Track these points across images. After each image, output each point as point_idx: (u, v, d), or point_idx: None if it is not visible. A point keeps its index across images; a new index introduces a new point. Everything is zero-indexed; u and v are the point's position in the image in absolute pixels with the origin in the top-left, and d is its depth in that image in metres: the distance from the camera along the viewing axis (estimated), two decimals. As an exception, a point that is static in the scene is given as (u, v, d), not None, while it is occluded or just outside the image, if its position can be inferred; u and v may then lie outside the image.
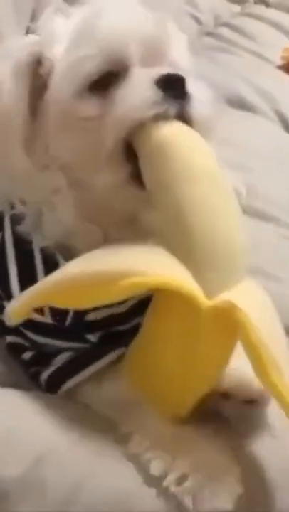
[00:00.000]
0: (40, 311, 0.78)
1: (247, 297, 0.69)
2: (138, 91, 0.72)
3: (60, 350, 0.79)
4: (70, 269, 0.71)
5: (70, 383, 0.77)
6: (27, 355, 0.81)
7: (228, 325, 0.67)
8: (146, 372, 0.74)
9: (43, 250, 0.79)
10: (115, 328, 0.77)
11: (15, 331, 0.82)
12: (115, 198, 0.75)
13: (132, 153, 0.73)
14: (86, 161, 0.75)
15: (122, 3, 0.80)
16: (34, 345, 0.80)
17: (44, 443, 0.71)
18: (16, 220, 0.81)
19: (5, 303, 0.81)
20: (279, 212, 1.19)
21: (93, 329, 0.77)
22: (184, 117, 0.73)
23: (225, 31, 1.85)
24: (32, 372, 0.80)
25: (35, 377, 0.80)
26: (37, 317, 0.78)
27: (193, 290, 0.67)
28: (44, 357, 0.79)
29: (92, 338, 0.78)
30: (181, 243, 0.69)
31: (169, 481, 0.69)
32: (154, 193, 0.72)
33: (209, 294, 0.67)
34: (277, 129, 1.46)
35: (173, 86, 0.73)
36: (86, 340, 0.78)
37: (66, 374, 0.78)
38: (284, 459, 0.74)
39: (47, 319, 0.79)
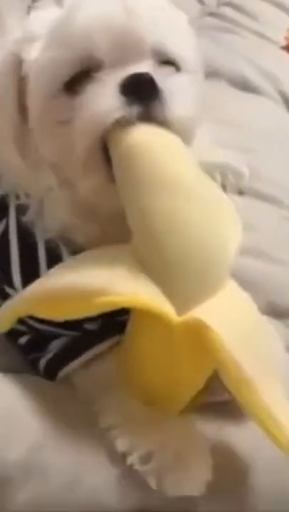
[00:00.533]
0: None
1: (220, 312, 0.67)
2: (100, 96, 0.69)
3: (56, 336, 0.78)
4: (49, 281, 0.70)
5: (67, 369, 0.77)
6: (23, 340, 0.81)
7: (201, 340, 0.66)
8: (133, 377, 0.73)
9: (47, 242, 0.79)
10: (115, 318, 0.77)
11: None
12: (99, 198, 0.74)
13: (108, 153, 0.71)
14: (66, 164, 0.73)
15: None
16: (31, 330, 0.80)
17: (44, 428, 0.71)
18: (21, 210, 0.81)
19: (6, 287, 0.82)
20: (281, 193, 1.18)
21: (93, 319, 0.77)
22: (154, 119, 0.69)
23: (228, 11, 1.82)
24: (31, 359, 0.80)
25: (34, 365, 0.80)
26: None
27: (162, 308, 0.65)
28: (40, 342, 0.79)
29: (91, 327, 0.78)
30: (151, 253, 0.68)
31: (134, 458, 0.68)
32: (123, 200, 0.69)
33: (180, 308, 0.66)
34: (281, 110, 1.44)
35: (139, 87, 0.69)
36: (84, 330, 0.78)
37: (63, 360, 0.78)
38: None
39: None
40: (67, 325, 0.77)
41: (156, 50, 0.73)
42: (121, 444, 0.69)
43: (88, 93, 0.70)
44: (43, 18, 0.75)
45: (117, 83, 0.69)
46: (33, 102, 0.74)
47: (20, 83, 0.75)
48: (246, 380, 0.64)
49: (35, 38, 0.74)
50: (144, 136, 0.69)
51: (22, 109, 0.75)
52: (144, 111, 0.69)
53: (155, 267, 0.67)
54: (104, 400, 0.73)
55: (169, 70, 0.73)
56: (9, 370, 0.80)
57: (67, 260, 0.75)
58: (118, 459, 0.69)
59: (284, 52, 1.65)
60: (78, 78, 0.71)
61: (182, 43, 0.75)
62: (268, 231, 1.07)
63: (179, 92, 0.71)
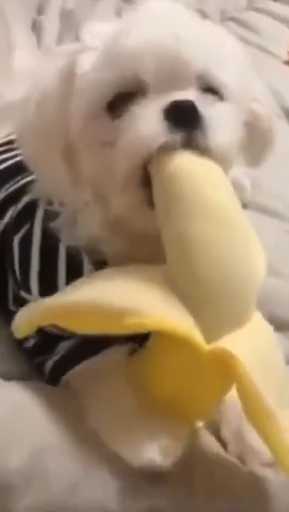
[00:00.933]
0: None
1: (247, 341, 0.68)
2: (144, 120, 0.70)
3: (64, 337, 0.79)
4: (77, 293, 0.70)
5: (73, 371, 0.78)
6: (30, 343, 0.82)
7: (226, 368, 0.67)
8: (149, 391, 0.73)
9: (68, 249, 0.80)
10: None
11: None
12: (132, 217, 0.74)
13: (148, 177, 0.71)
14: (104, 182, 0.74)
15: (166, 13, 0.75)
16: (39, 332, 0.80)
17: (45, 435, 0.72)
18: (48, 215, 0.82)
19: (22, 292, 0.83)
20: (283, 207, 1.19)
21: None
22: (196, 146, 0.70)
23: (231, 25, 1.84)
24: (37, 363, 0.81)
25: (39, 368, 0.81)
26: None
27: (192, 334, 0.66)
28: (47, 344, 0.80)
29: None
30: (185, 277, 0.68)
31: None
32: (160, 223, 0.70)
33: (209, 334, 0.67)
34: (283, 124, 1.46)
35: (182, 114, 0.69)
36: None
37: (70, 362, 0.78)
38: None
39: None
40: None
41: (202, 77, 0.73)
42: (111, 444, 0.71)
43: (132, 116, 0.71)
44: (98, 31, 0.75)
45: (160, 108, 0.70)
46: (76, 119, 0.74)
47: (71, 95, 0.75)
48: (267, 413, 0.65)
49: (89, 50, 0.74)
50: (186, 163, 0.69)
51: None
52: (187, 138, 0.69)
53: (188, 292, 0.67)
54: (95, 392, 0.74)
55: (212, 98, 0.74)
56: (15, 377, 0.81)
57: (96, 273, 0.75)
58: (119, 463, 0.70)
59: (286, 67, 1.67)
60: (122, 99, 0.72)
61: (228, 71, 0.75)
62: (270, 244, 1.08)
63: (220, 122, 0.71)
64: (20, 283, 0.84)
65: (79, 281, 0.73)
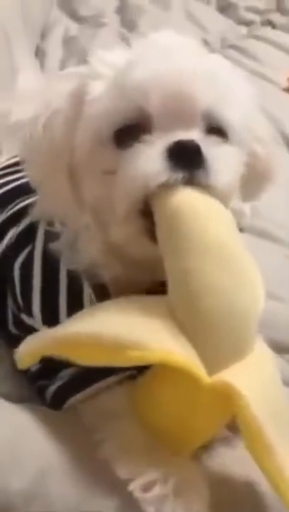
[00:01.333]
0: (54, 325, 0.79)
1: (248, 372, 0.69)
2: (147, 158, 0.71)
3: (66, 364, 0.79)
4: (81, 325, 0.70)
5: (75, 398, 0.78)
6: (34, 368, 0.82)
7: (226, 399, 0.68)
8: (148, 419, 0.74)
9: (69, 272, 0.80)
10: None
11: None
12: (132, 246, 0.75)
13: (148, 208, 0.72)
14: (105, 209, 0.74)
15: (174, 46, 0.75)
16: (43, 358, 0.81)
17: (47, 456, 0.72)
18: (49, 236, 0.82)
19: (23, 315, 0.84)
20: (283, 232, 1.20)
21: None
22: (198, 184, 0.71)
23: (232, 53, 1.87)
24: (38, 387, 0.81)
25: (40, 392, 0.81)
26: None
27: (194, 367, 0.66)
28: (51, 370, 0.80)
29: None
30: (187, 311, 0.69)
31: (135, 486, 0.69)
32: (163, 257, 0.71)
33: (211, 366, 0.67)
34: (283, 150, 1.47)
35: (185, 154, 0.70)
36: None
37: (73, 389, 0.78)
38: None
39: None
40: None
41: (207, 116, 0.74)
42: (123, 472, 0.70)
43: (136, 152, 0.71)
44: (109, 59, 0.76)
45: (164, 147, 0.71)
46: (81, 144, 0.74)
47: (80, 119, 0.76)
48: (268, 448, 0.65)
49: (99, 77, 0.74)
50: (188, 200, 0.70)
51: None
52: (188, 176, 0.70)
53: (190, 325, 0.68)
54: (108, 429, 0.74)
55: (215, 138, 0.74)
56: (14, 399, 0.81)
57: (99, 304, 0.75)
58: (120, 488, 0.70)
59: (286, 94, 1.69)
60: (128, 131, 0.73)
61: (234, 109, 0.75)
62: (269, 268, 1.08)
63: (222, 163, 0.72)
64: (22, 306, 0.84)
65: (82, 312, 0.74)
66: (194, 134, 0.73)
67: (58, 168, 0.76)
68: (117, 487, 0.70)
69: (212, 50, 1.86)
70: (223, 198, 0.72)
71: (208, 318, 0.68)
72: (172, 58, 0.73)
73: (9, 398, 0.82)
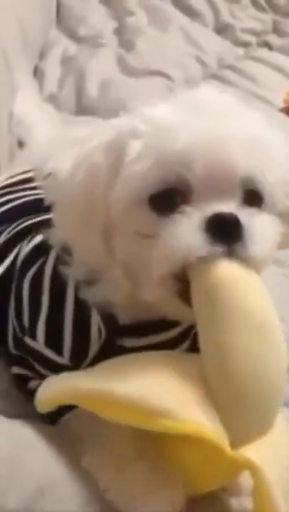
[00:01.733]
0: (58, 351, 0.80)
1: (271, 451, 0.69)
2: (185, 230, 0.70)
3: None
4: (109, 383, 0.69)
5: (69, 415, 0.78)
6: (33, 384, 0.82)
7: (241, 470, 0.69)
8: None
9: (76, 298, 0.80)
10: None
11: (22, 363, 0.84)
12: (163, 307, 0.75)
13: (184, 273, 0.71)
14: (137, 268, 0.74)
15: (215, 108, 0.74)
16: (40, 376, 0.81)
17: (46, 474, 0.72)
18: (59, 261, 0.82)
19: (26, 338, 0.83)
20: (281, 252, 1.20)
21: None
22: (237, 256, 0.70)
23: (229, 74, 1.89)
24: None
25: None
26: (54, 356, 0.81)
27: (219, 441, 0.66)
28: None
29: None
30: (221, 382, 0.68)
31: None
32: (198, 325, 0.71)
33: (237, 442, 0.67)
34: None
35: (224, 227, 0.70)
36: None
37: (68, 406, 0.77)
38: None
39: (63, 360, 0.81)
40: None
41: (246, 182, 0.73)
42: (103, 486, 0.71)
43: (175, 221, 0.71)
44: (148, 116, 0.74)
45: (203, 218, 0.70)
46: (116, 203, 0.73)
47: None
48: None
49: (138, 135, 0.73)
50: (227, 273, 0.70)
51: None
52: (227, 250, 0.70)
53: (223, 397, 0.68)
54: (91, 440, 0.74)
55: (254, 208, 0.74)
56: (12, 415, 0.81)
57: (128, 358, 0.74)
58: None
59: (282, 115, 1.70)
60: (165, 196, 0.72)
61: (272, 173, 0.74)
62: (268, 288, 1.09)
63: (260, 234, 0.71)
64: (27, 329, 0.84)
65: (110, 363, 0.73)
66: (233, 204, 0.72)
67: (92, 223, 0.74)
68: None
69: (208, 70, 1.90)
70: (260, 268, 0.73)
71: (242, 391, 0.67)
72: (213, 122, 0.72)
73: (7, 415, 0.81)
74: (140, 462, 0.71)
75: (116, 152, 0.73)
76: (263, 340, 0.68)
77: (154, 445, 0.72)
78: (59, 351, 0.81)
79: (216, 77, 1.87)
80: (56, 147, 0.79)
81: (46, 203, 0.80)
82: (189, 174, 0.71)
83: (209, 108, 0.74)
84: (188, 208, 0.71)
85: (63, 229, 0.78)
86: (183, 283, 0.71)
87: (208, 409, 0.67)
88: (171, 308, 0.75)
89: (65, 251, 0.80)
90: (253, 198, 0.74)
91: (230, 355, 0.67)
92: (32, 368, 0.83)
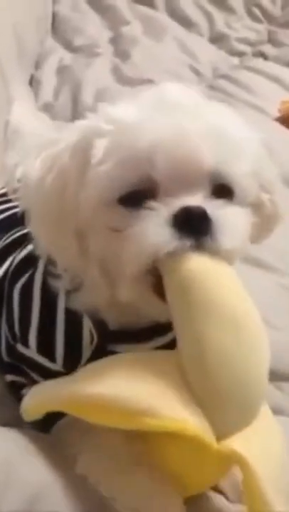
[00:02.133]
0: (50, 357, 0.80)
1: (256, 441, 0.69)
2: (153, 225, 0.70)
3: None
4: (91, 386, 0.69)
5: (61, 422, 0.78)
6: (26, 391, 0.81)
7: (229, 463, 0.69)
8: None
9: (68, 310, 0.80)
10: None
11: (16, 370, 0.84)
12: (139, 304, 0.75)
13: (156, 268, 0.71)
14: (111, 265, 0.74)
15: (178, 104, 0.74)
16: (33, 382, 0.81)
17: (39, 482, 0.71)
18: (48, 271, 0.82)
19: (19, 346, 0.83)
20: (274, 259, 1.21)
21: None
22: (206, 250, 0.70)
23: (223, 83, 1.89)
24: None
25: None
26: (46, 363, 0.81)
27: (203, 435, 0.66)
28: None
29: None
30: (197, 375, 0.68)
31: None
32: (174, 320, 0.71)
33: (220, 433, 0.67)
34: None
35: (192, 220, 0.70)
36: None
37: (59, 414, 0.77)
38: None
39: (56, 366, 0.80)
40: None
41: (214, 175, 0.73)
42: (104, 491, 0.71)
43: (143, 217, 0.71)
44: (112, 115, 0.74)
45: (170, 214, 0.70)
46: (87, 202, 0.73)
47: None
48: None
49: (102, 134, 0.73)
50: (196, 267, 0.69)
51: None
52: (196, 243, 0.70)
53: (201, 390, 0.68)
54: (83, 443, 0.74)
55: (222, 200, 0.73)
56: (8, 424, 0.81)
57: (110, 360, 0.74)
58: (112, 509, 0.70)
59: (277, 124, 1.71)
60: (133, 195, 0.72)
61: (240, 163, 0.74)
62: (263, 296, 1.09)
63: (229, 225, 0.71)
64: (19, 336, 0.84)
65: (89, 369, 0.73)
66: (200, 197, 0.72)
67: (65, 226, 0.74)
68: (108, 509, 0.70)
69: (203, 79, 1.90)
70: (232, 259, 0.72)
71: (219, 383, 0.67)
72: (176, 118, 0.72)
73: (2, 422, 0.81)
74: (139, 467, 0.71)
75: (82, 153, 0.73)
76: (236, 332, 0.68)
77: (146, 449, 0.72)
78: (52, 358, 0.81)
79: (210, 86, 1.88)
80: (25, 153, 0.79)
81: (20, 211, 0.80)
82: (153, 171, 0.71)
83: (173, 104, 0.74)
84: (155, 204, 0.71)
85: (39, 234, 0.78)
86: (157, 278, 0.71)
87: (189, 404, 0.67)
88: (147, 304, 0.75)
89: (52, 262, 0.81)
90: (222, 190, 0.74)
91: (205, 348, 0.67)
92: (25, 375, 0.82)
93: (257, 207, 0.79)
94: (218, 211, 0.71)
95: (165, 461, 0.71)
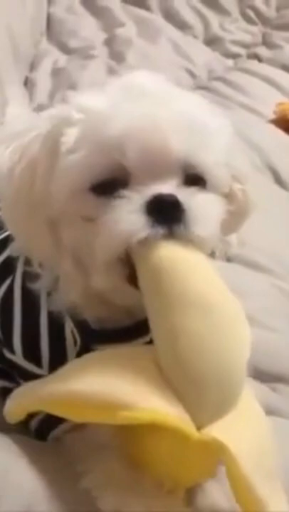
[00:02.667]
0: (37, 362, 0.80)
1: (237, 427, 0.68)
2: (125, 213, 0.70)
3: None
4: (69, 383, 0.69)
5: (58, 430, 0.78)
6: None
7: (214, 452, 0.68)
8: (135, 458, 0.73)
9: (49, 309, 0.80)
10: None
11: (6, 377, 0.84)
12: (113, 294, 0.75)
13: (129, 256, 0.71)
14: (85, 256, 0.74)
15: (148, 91, 0.74)
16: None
17: (33, 491, 0.71)
18: (28, 275, 0.81)
19: (5, 352, 0.83)
20: (269, 261, 1.21)
21: None
22: (178, 237, 0.70)
23: (218, 85, 1.89)
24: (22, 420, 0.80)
25: (25, 424, 0.80)
26: (35, 369, 0.81)
27: (182, 425, 0.66)
28: None
29: None
30: (172, 366, 0.68)
31: None
32: (148, 313, 0.70)
33: (198, 422, 0.67)
34: (268, 180, 1.49)
35: (164, 209, 0.70)
36: None
37: (56, 421, 0.77)
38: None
39: (43, 371, 0.80)
40: None
41: (185, 164, 0.73)
42: (106, 505, 0.70)
43: (114, 206, 0.70)
44: (82, 104, 0.74)
45: (142, 202, 0.70)
46: (58, 191, 0.73)
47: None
48: (256, 501, 0.66)
49: (73, 123, 0.73)
50: (168, 255, 0.69)
51: None
52: (168, 231, 0.70)
53: (177, 380, 0.68)
54: (92, 460, 0.73)
55: (194, 187, 0.73)
56: (5, 431, 0.80)
57: (87, 357, 0.74)
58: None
59: (272, 126, 1.71)
60: (105, 183, 0.72)
61: (211, 152, 0.74)
62: (258, 297, 1.10)
63: (202, 213, 0.71)
64: (4, 343, 0.84)
65: (67, 368, 0.73)
66: (172, 185, 0.72)
67: (37, 216, 0.74)
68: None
69: (198, 81, 1.91)
70: (205, 247, 0.72)
71: (194, 373, 0.67)
72: (147, 107, 0.72)
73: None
74: (143, 480, 0.71)
75: (53, 142, 0.73)
76: (209, 318, 0.68)
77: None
78: (38, 363, 0.80)
79: (205, 88, 1.88)
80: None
81: None
82: (124, 159, 0.71)
83: (143, 92, 0.73)
84: (127, 192, 0.71)
85: (11, 225, 0.78)
86: (129, 266, 0.71)
87: (167, 396, 0.67)
88: (121, 293, 0.74)
89: (29, 263, 0.81)
90: (194, 179, 0.74)
91: (177, 335, 0.67)
92: (17, 383, 0.82)
93: (230, 198, 0.79)
94: (191, 199, 0.71)
95: (152, 458, 0.71)
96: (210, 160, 0.74)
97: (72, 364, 0.74)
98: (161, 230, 0.69)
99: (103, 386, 0.67)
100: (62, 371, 0.72)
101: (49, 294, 0.80)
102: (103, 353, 0.74)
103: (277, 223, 1.32)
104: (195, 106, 0.76)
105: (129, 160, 0.71)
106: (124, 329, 0.79)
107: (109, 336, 0.79)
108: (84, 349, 0.79)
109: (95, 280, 0.74)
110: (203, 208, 0.72)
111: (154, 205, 0.70)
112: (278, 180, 1.52)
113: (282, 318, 1.10)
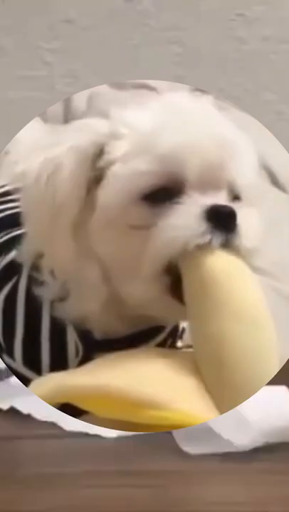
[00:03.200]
0: (37, 370, 0.81)
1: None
2: (187, 219, 0.72)
3: None
4: (99, 376, 0.71)
5: None
6: None
7: None
8: None
9: (52, 316, 0.80)
10: None
11: None
12: (149, 305, 0.76)
13: (172, 265, 0.73)
14: (124, 265, 0.75)
15: (194, 109, 0.78)
16: None
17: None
18: (32, 280, 0.82)
19: (5, 357, 0.84)
20: (266, 263, 1.21)
21: None
22: (231, 247, 0.73)
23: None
24: None
25: None
26: (32, 375, 0.81)
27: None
28: None
29: None
30: (213, 374, 0.70)
31: None
32: (192, 320, 0.73)
33: None
34: (265, 183, 1.49)
35: (221, 218, 0.73)
36: None
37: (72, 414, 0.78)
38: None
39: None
40: None
41: (230, 183, 0.77)
42: None
43: (173, 211, 0.73)
44: (128, 119, 0.77)
45: (202, 209, 0.73)
46: (106, 200, 0.75)
47: (93, 173, 0.76)
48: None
49: (119, 137, 0.76)
50: (222, 263, 0.72)
51: (89, 197, 0.76)
52: (224, 240, 0.73)
53: (214, 385, 0.70)
54: None
55: (237, 203, 0.77)
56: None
57: (120, 353, 0.75)
58: None
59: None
60: (158, 192, 0.74)
61: (248, 172, 0.79)
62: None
63: (250, 225, 0.75)
64: (4, 348, 0.84)
65: (99, 361, 0.74)
66: (224, 199, 0.75)
67: (61, 224, 0.75)
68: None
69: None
70: (250, 259, 0.75)
71: (234, 382, 0.69)
72: (196, 124, 0.76)
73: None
74: None
75: (88, 152, 0.75)
76: (254, 331, 0.70)
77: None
78: (38, 371, 0.81)
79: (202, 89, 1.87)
80: (27, 152, 0.80)
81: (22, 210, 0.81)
82: (185, 172, 0.73)
83: (188, 111, 0.77)
84: (185, 199, 0.73)
85: (33, 233, 0.79)
86: (173, 278, 0.73)
87: (204, 398, 0.68)
88: (163, 306, 0.75)
89: (36, 269, 0.81)
90: (234, 195, 0.77)
91: (223, 344, 0.69)
92: None
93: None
94: (240, 212, 0.74)
95: None
96: (247, 178, 0.78)
97: (105, 359, 0.75)
98: (220, 238, 0.71)
99: (134, 382, 0.68)
100: (90, 365, 0.74)
101: (54, 301, 0.80)
102: (139, 351, 0.76)
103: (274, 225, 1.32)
104: (231, 126, 0.79)
105: (189, 171, 0.73)
106: (125, 338, 0.80)
107: (112, 345, 0.79)
108: (86, 359, 0.79)
109: (133, 290, 0.75)
110: (250, 221, 0.74)
111: (212, 214, 0.72)
112: (274, 181, 1.52)
113: (279, 320, 1.10)
